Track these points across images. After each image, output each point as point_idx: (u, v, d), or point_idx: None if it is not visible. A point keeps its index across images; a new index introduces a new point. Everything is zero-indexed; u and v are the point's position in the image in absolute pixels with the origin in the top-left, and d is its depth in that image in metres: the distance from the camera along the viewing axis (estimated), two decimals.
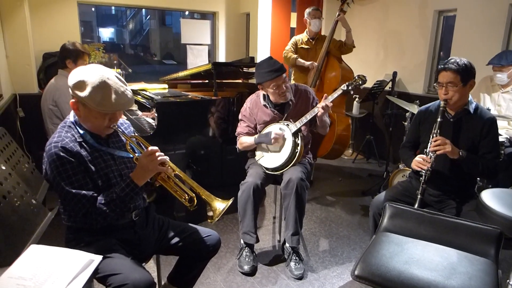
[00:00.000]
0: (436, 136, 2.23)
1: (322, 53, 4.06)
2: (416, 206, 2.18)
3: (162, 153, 1.70)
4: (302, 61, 4.14)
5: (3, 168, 1.90)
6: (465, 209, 2.24)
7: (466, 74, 2.18)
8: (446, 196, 2.34)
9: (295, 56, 4.16)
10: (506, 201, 1.94)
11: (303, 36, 4.26)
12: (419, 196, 2.23)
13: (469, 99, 2.29)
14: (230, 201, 1.79)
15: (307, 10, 4.10)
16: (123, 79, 1.67)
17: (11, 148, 2.41)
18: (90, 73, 1.58)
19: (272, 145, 2.72)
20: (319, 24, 4.12)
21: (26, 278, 1.27)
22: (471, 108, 2.27)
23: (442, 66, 2.24)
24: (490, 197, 2.00)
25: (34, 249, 1.42)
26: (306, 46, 4.22)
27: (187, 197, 1.75)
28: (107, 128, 1.70)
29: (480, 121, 2.25)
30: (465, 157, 2.20)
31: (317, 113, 2.62)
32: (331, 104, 2.61)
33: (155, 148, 1.69)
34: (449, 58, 2.24)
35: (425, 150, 2.30)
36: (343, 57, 4.26)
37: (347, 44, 4.09)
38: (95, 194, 1.63)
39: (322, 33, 4.36)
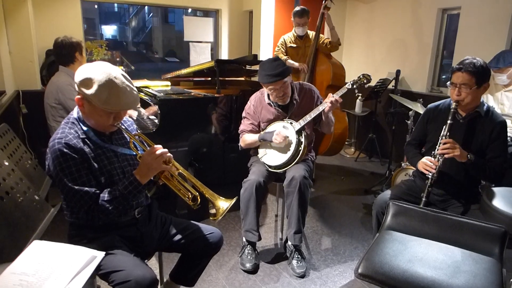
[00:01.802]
0: (446, 138, 2.18)
1: (311, 52, 4.04)
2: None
3: (166, 150, 1.69)
4: (292, 62, 4.12)
5: (6, 164, 1.91)
6: (469, 208, 2.23)
7: (481, 76, 2.12)
8: (450, 195, 2.32)
9: (285, 57, 4.16)
10: (510, 200, 1.94)
11: (291, 35, 4.24)
12: (424, 199, 2.19)
13: (481, 101, 2.24)
14: (234, 200, 1.78)
15: (294, 13, 4.04)
16: (129, 78, 1.66)
17: (14, 144, 2.42)
18: (97, 71, 1.57)
19: (275, 143, 2.71)
20: (303, 31, 4.11)
21: (29, 273, 1.27)
22: (483, 110, 2.22)
23: (457, 66, 2.16)
24: (495, 196, 1.99)
25: (36, 245, 1.42)
26: (295, 45, 4.21)
27: (190, 196, 1.74)
28: (111, 126, 1.70)
29: (491, 124, 2.20)
30: (473, 161, 2.16)
31: (324, 108, 2.60)
32: (341, 99, 2.59)
33: (159, 146, 1.69)
34: (465, 58, 2.17)
35: (433, 152, 2.25)
36: (339, 53, 4.23)
37: (332, 42, 4.05)
38: (98, 191, 1.63)
39: (310, 30, 4.31)
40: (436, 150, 2.22)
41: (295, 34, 4.19)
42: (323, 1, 3.94)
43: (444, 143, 2.15)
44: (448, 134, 2.20)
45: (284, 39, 4.26)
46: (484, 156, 2.23)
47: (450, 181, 2.30)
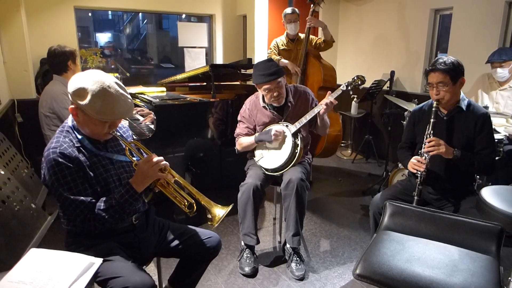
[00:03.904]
0: (430, 136, 2.23)
1: (301, 55, 4.06)
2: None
3: (162, 158, 1.69)
4: (285, 61, 4.13)
5: (2, 173, 1.90)
6: (465, 206, 2.24)
7: (455, 73, 2.19)
8: (445, 194, 2.34)
9: (278, 57, 4.17)
10: (506, 198, 1.94)
11: (283, 38, 4.27)
12: (415, 198, 2.23)
13: (461, 96, 2.30)
14: (229, 208, 1.78)
15: (284, 13, 4.09)
16: (123, 86, 1.66)
17: (10, 153, 2.42)
18: (90, 80, 1.56)
19: (272, 145, 2.71)
20: (295, 28, 4.11)
21: (26, 282, 1.26)
22: (463, 105, 2.28)
23: (430, 67, 2.25)
24: (490, 194, 2.00)
25: (34, 253, 1.41)
26: (287, 48, 4.24)
27: (186, 203, 1.73)
28: (107, 134, 1.69)
29: (473, 117, 2.25)
30: (459, 156, 2.20)
31: (319, 111, 2.61)
32: (336, 101, 2.60)
33: (155, 155, 1.69)
34: (436, 58, 2.26)
35: (419, 151, 2.30)
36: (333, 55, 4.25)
37: (326, 40, 4.08)
38: (93, 200, 1.62)
39: (302, 33, 4.32)
40: (422, 149, 2.26)
41: (287, 38, 4.22)
42: (312, 6, 3.98)
43: (429, 141, 2.20)
44: (432, 132, 2.25)
45: (276, 42, 4.29)
46: (472, 149, 2.27)
47: (444, 180, 2.33)
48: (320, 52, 4.17)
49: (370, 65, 5.36)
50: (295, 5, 5.33)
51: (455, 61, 2.20)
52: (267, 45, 5.27)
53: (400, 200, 2.22)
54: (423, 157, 2.24)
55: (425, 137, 2.26)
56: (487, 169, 2.26)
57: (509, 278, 1.59)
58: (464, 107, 2.28)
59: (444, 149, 2.16)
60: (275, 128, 2.68)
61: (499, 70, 3.25)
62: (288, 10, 4.07)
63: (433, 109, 2.26)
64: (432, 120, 2.26)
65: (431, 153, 2.20)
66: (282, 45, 4.24)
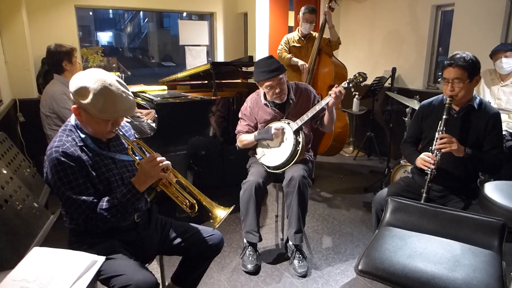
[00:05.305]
0: (443, 133, 2.19)
1: (314, 51, 4.06)
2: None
3: (164, 158, 1.69)
4: (296, 59, 4.13)
5: (4, 172, 1.91)
6: (468, 203, 2.23)
7: (472, 70, 2.14)
8: (449, 191, 2.32)
9: (289, 55, 4.17)
10: (509, 193, 1.95)
11: (294, 35, 4.27)
12: (424, 195, 2.18)
13: (474, 94, 2.26)
14: (231, 209, 1.77)
15: (303, 9, 4.08)
16: (125, 84, 1.66)
17: (12, 152, 2.42)
18: (91, 79, 1.56)
19: (273, 143, 2.71)
20: (309, 28, 4.12)
21: (30, 280, 1.27)
22: (476, 103, 2.24)
23: (448, 62, 2.18)
24: (493, 190, 2.00)
25: (37, 251, 1.42)
26: (298, 45, 4.23)
27: (188, 204, 1.74)
28: (110, 132, 1.70)
29: (485, 116, 2.22)
30: (470, 155, 2.17)
31: (328, 102, 2.57)
32: (344, 91, 2.56)
33: (158, 154, 1.69)
34: (454, 53, 2.18)
35: (430, 147, 2.26)
36: (335, 53, 4.26)
37: (332, 41, 4.08)
38: (95, 200, 1.62)
39: (314, 31, 4.33)
40: (433, 145, 2.22)
41: (299, 34, 4.21)
42: (328, 2, 3.97)
43: (441, 138, 2.16)
44: (444, 129, 2.20)
45: (287, 38, 4.28)
46: (480, 148, 2.24)
47: (449, 177, 2.30)
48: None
49: (371, 62, 5.35)
50: (296, 3, 5.32)
51: (474, 58, 2.14)
52: (268, 43, 5.26)
53: (403, 197, 2.21)
54: (434, 154, 2.20)
55: (437, 133, 2.21)
56: (494, 169, 2.23)
57: None
58: (476, 106, 2.23)
59: (456, 146, 2.12)
60: (274, 126, 2.68)
61: (504, 60, 3.20)
62: (308, 8, 4.05)
63: (446, 105, 2.21)
64: (444, 116, 2.20)
65: (443, 150, 2.15)
66: (293, 41, 4.24)
